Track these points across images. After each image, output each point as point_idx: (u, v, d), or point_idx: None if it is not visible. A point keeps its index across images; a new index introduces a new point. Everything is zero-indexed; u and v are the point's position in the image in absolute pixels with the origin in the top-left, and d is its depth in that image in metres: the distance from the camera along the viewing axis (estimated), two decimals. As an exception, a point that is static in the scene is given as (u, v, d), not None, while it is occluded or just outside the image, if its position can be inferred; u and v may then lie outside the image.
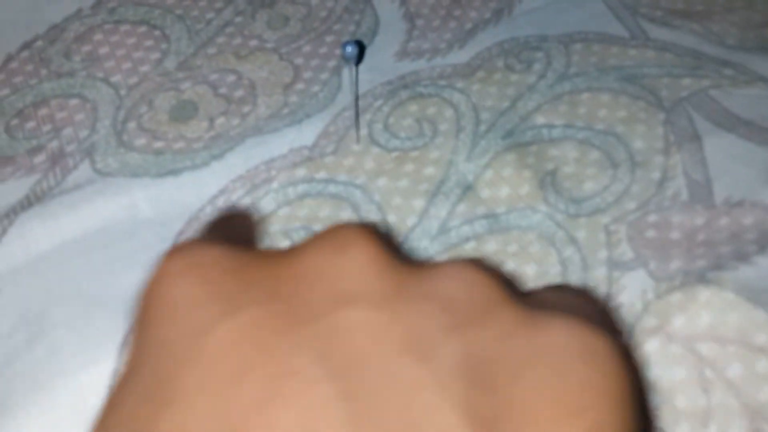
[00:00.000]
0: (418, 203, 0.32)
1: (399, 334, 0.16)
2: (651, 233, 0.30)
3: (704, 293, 0.28)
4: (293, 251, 0.19)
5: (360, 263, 0.18)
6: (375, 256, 0.18)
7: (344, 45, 0.30)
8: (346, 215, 0.31)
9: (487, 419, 0.15)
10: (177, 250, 0.19)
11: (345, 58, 0.30)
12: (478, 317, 0.17)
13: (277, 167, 0.33)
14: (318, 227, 0.31)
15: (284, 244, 0.30)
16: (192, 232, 0.31)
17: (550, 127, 0.34)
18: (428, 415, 0.15)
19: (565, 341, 0.17)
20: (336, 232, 0.19)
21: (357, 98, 0.34)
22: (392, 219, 0.31)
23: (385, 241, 0.19)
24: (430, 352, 0.16)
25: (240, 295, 0.17)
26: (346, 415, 0.14)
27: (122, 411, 0.16)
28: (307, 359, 0.15)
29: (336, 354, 0.15)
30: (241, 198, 0.32)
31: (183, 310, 0.17)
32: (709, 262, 0.29)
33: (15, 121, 0.35)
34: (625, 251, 0.30)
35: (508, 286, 0.18)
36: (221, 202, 0.32)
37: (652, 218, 0.31)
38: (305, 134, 0.34)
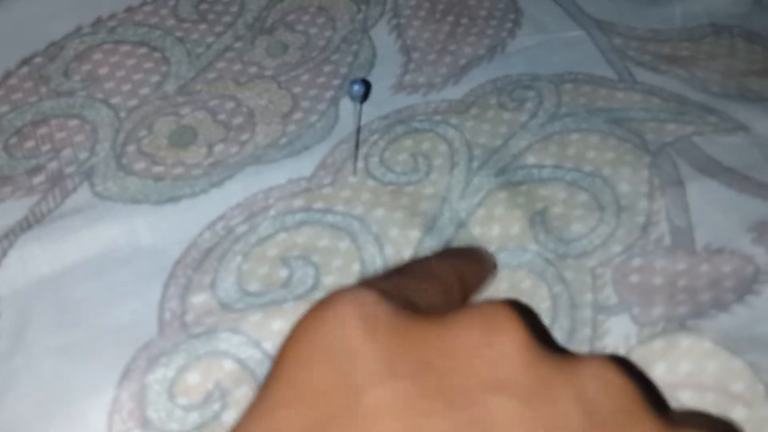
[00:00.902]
0: (414, 234, 0.32)
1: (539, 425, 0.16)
2: (635, 278, 0.31)
3: (685, 341, 0.29)
4: (446, 323, 0.19)
5: (510, 350, 0.18)
6: (525, 344, 0.18)
7: (351, 83, 0.31)
8: (345, 245, 0.32)
9: None
10: (347, 294, 0.19)
11: (351, 97, 0.31)
12: (626, 424, 0.17)
13: (276, 196, 0.33)
14: (317, 258, 0.31)
15: (282, 272, 0.31)
16: (190, 259, 0.31)
17: (540, 167, 0.35)
18: None
19: None
20: (488, 309, 0.19)
21: (358, 134, 0.35)
22: (389, 251, 0.32)
23: (531, 323, 0.19)
24: None
25: (397, 361, 0.18)
26: None
27: None
28: None
29: None
30: (239, 224, 0.32)
31: (341, 360, 0.18)
32: (689, 310, 0.30)
33: (13, 140, 0.35)
34: (609, 295, 0.31)
35: (652, 393, 0.19)
36: (219, 228, 0.32)
37: (636, 262, 0.32)
38: (304, 165, 0.35)
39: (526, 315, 0.20)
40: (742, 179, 0.35)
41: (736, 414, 0.27)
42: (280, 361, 0.19)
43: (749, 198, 0.34)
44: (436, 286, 0.24)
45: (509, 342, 0.18)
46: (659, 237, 0.33)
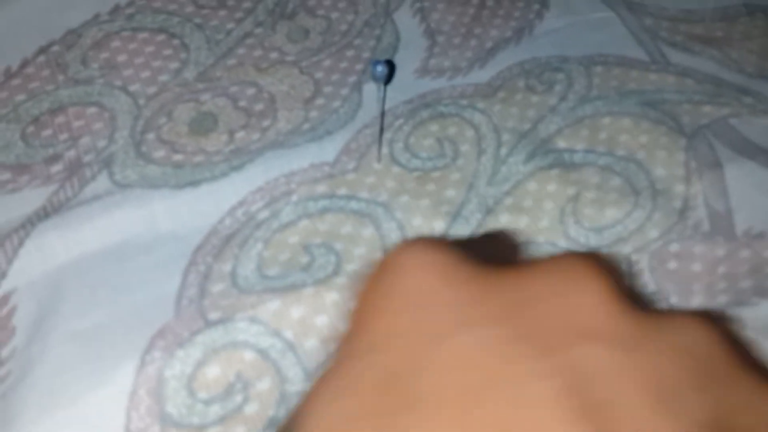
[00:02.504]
0: (439, 225, 0.31)
1: (644, 381, 0.15)
2: (673, 264, 0.30)
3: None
4: (522, 273, 0.18)
5: (597, 299, 0.17)
6: (611, 293, 0.17)
7: (374, 64, 0.30)
8: (368, 233, 0.31)
9: None
10: (417, 243, 0.19)
11: (374, 78, 0.30)
12: (723, 379, 0.16)
13: (298, 181, 0.32)
14: (339, 245, 0.30)
15: (304, 258, 0.30)
16: (210, 246, 0.30)
17: (572, 152, 0.34)
18: None
19: None
20: (566, 261, 0.18)
21: (383, 117, 0.34)
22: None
23: (615, 276, 0.18)
24: (678, 406, 0.15)
25: (477, 307, 0.17)
26: None
27: (356, 397, 0.16)
28: (549, 392, 0.15)
29: (578, 391, 0.15)
30: (260, 209, 0.32)
31: (421, 306, 0.17)
32: (730, 298, 0.29)
33: (31, 128, 0.34)
34: (647, 283, 0.30)
35: (738, 345, 0.18)
36: (240, 214, 0.31)
37: (674, 248, 0.31)
38: (326, 150, 0.34)
39: (609, 269, 0.18)
40: (783, 161, 0.34)
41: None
42: (357, 311, 0.18)
43: (790, 181, 0.33)
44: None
45: (595, 292, 0.17)
46: (697, 222, 0.32)
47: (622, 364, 0.16)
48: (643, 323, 0.17)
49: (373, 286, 0.19)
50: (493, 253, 0.26)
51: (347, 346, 0.18)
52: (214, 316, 0.28)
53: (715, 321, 0.18)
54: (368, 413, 0.16)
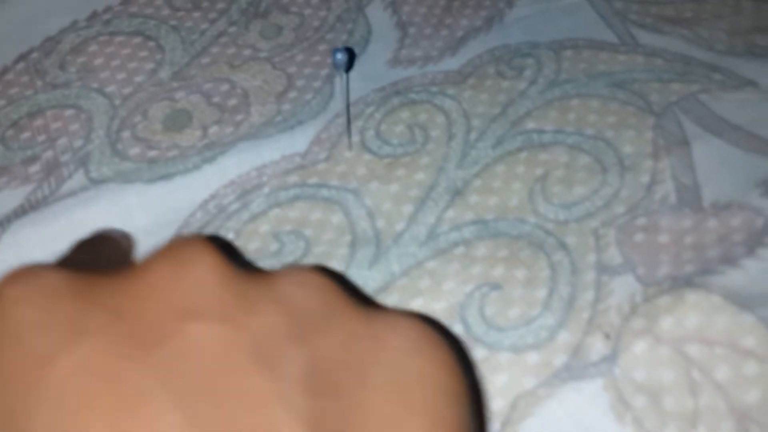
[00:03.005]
0: (407, 209, 0.32)
1: (244, 346, 0.16)
2: (639, 237, 0.30)
3: (692, 296, 0.28)
4: (137, 268, 0.18)
5: (200, 276, 0.17)
6: (215, 267, 0.18)
7: (334, 52, 0.30)
8: (337, 219, 0.31)
9: (332, 429, 0.15)
10: (16, 275, 0.18)
11: (335, 66, 0.31)
12: (321, 323, 0.17)
13: (269, 173, 0.33)
14: (309, 231, 0.31)
15: (273, 246, 0.31)
16: (185, 239, 0.31)
17: (540, 132, 0.34)
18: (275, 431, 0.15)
19: (403, 337, 0.17)
20: (177, 246, 0.18)
21: (348, 105, 0.34)
22: (381, 224, 0.31)
23: (227, 252, 0.18)
24: (276, 363, 0.16)
25: (83, 321, 0.16)
26: None
27: None
28: (154, 385, 0.15)
29: (183, 375, 0.15)
30: (231, 203, 0.32)
31: (25, 338, 0.16)
32: (696, 267, 0.29)
33: (10, 132, 0.35)
34: (613, 255, 0.30)
35: (352, 291, 0.18)
36: (212, 207, 0.32)
37: (641, 221, 0.31)
38: (298, 141, 0.34)
39: (218, 245, 0.19)
40: (750, 137, 0.34)
41: (748, 369, 0.26)
42: None
43: (757, 156, 0.33)
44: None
45: (199, 269, 0.17)
46: (665, 195, 0.32)
47: (227, 334, 0.16)
48: (246, 288, 0.17)
49: None
50: (108, 259, 0.26)
51: None
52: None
53: (322, 271, 0.19)
54: None
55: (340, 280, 0.19)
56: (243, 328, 0.16)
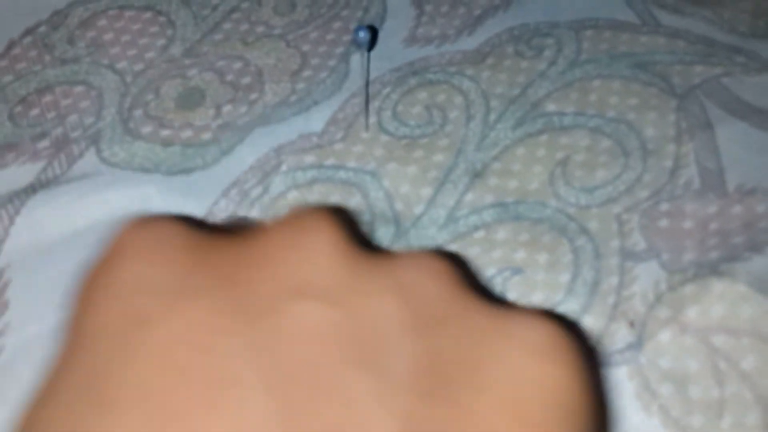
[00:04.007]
0: (426, 191, 0.31)
1: (351, 334, 0.15)
2: (663, 222, 0.30)
3: (717, 286, 0.27)
4: (256, 232, 0.17)
5: (317, 251, 0.16)
6: (334, 243, 0.17)
7: (356, 30, 0.29)
8: (356, 201, 0.31)
9: None
10: (136, 225, 0.17)
11: (357, 44, 0.30)
12: (439, 314, 0.16)
13: (286, 152, 0.32)
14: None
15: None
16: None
17: (561, 114, 0.34)
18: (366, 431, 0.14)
19: (530, 340, 0.16)
20: (300, 215, 0.18)
21: (367, 85, 0.34)
22: (399, 206, 0.31)
23: (351, 226, 0.18)
24: (382, 356, 0.15)
25: (190, 284, 0.16)
26: None
27: (54, 407, 0.15)
28: (248, 365, 0.14)
29: (281, 358, 0.14)
30: (253, 187, 0.31)
31: (130, 294, 0.16)
32: (722, 253, 0.29)
33: (18, 108, 0.34)
34: (637, 241, 0.29)
35: (473, 279, 0.17)
36: (234, 194, 0.31)
37: (665, 207, 0.30)
38: (314, 121, 0.33)
39: (342, 219, 0.18)
40: (775, 120, 0.33)
41: (775, 358, 0.26)
42: (76, 306, 0.17)
43: (783, 139, 0.33)
44: None
45: (319, 243, 0.17)
46: (688, 180, 0.31)
47: (335, 317, 0.15)
48: (364, 269, 0.16)
49: (92, 276, 0.17)
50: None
51: (61, 347, 0.16)
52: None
53: (448, 258, 0.17)
54: (62, 422, 0.14)
55: (462, 266, 0.18)
56: (354, 313, 0.15)
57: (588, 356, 0.16)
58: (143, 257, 0.16)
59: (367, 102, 0.33)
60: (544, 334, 0.16)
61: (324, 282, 0.16)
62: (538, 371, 0.15)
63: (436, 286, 0.16)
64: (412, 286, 0.16)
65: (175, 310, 0.15)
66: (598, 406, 0.16)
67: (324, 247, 0.17)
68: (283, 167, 0.32)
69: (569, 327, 0.17)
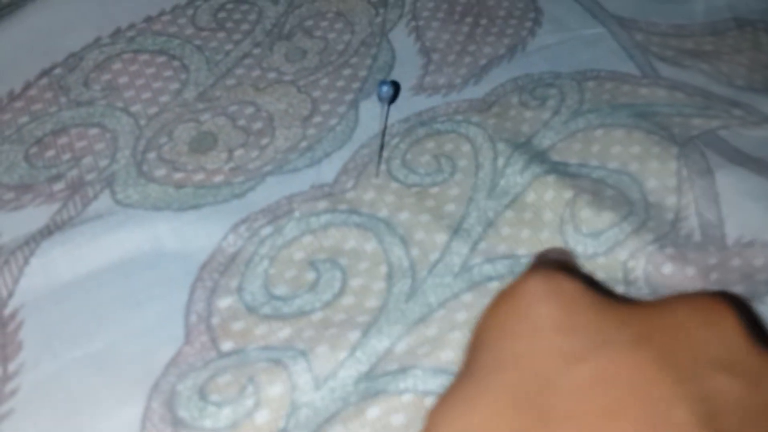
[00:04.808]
0: (441, 238, 0.32)
1: (764, 413, 0.16)
2: (668, 268, 0.31)
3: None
4: (657, 304, 0.19)
5: (731, 334, 0.18)
6: (743, 330, 0.18)
7: (380, 84, 0.31)
8: (371, 247, 0.31)
9: None
10: (539, 274, 0.20)
11: (380, 98, 0.31)
12: None
13: (299, 201, 0.33)
14: (344, 260, 0.31)
15: (310, 275, 0.31)
16: (216, 263, 0.31)
17: (565, 165, 0.35)
18: None
19: None
20: (703, 298, 0.19)
21: (384, 134, 0.34)
22: (415, 253, 0.31)
23: (744, 312, 0.19)
24: None
25: (608, 331, 0.17)
26: None
27: (486, 413, 0.16)
28: (687, 414, 0.15)
29: (712, 420, 0.16)
30: (263, 226, 0.32)
31: (547, 332, 0.18)
32: (723, 303, 0.29)
33: (34, 149, 0.35)
34: (641, 288, 0.30)
35: None
36: (243, 230, 0.32)
37: (669, 251, 0.31)
38: (325, 173, 0.34)
39: (738, 306, 0.19)
40: (772, 171, 0.34)
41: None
42: (480, 333, 0.19)
43: (780, 190, 0.34)
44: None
45: (729, 327, 0.18)
46: (689, 233, 0.32)
47: (753, 399, 0.16)
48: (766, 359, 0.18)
49: (499, 309, 0.19)
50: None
51: (471, 365, 0.18)
52: (226, 346, 0.29)
53: None
54: (501, 429, 0.16)
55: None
56: (764, 394, 0.17)
57: None
58: (552, 303, 0.18)
59: (381, 149, 0.34)
60: None
61: (742, 362, 0.17)
62: None
63: None
64: None
65: (599, 351, 0.17)
66: None
67: (735, 330, 0.18)
68: (296, 213, 0.32)
69: None
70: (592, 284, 0.21)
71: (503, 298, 0.20)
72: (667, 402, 0.16)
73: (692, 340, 0.18)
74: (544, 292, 0.19)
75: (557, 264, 0.21)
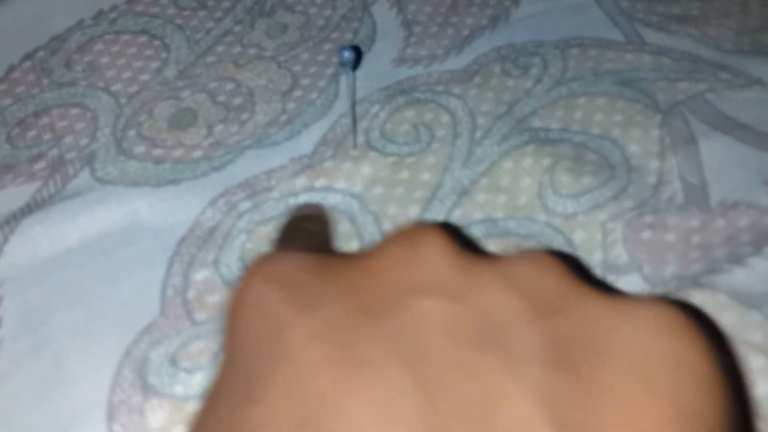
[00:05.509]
0: (414, 210, 0.32)
1: (473, 324, 0.16)
2: (647, 234, 0.30)
3: (697, 296, 0.28)
4: (367, 250, 0.19)
5: (433, 256, 0.18)
6: (447, 249, 0.18)
7: (341, 50, 0.30)
8: (344, 228, 0.31)
9: (566, 403, 0.14)
10: (258, 262, 0.20)
11: (342, 64, 0.31)
12: (558, 303, 0.17)
13: (278, 177, 0.33)
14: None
15: (282, 249, 0.31)
16: (194, 238, 0.31)
17: (546, 130, 0.34)
18: (502, 402, 0.15)
19: (650, 318, 0.16)
20: (408, 230, 0.19)
21: (354, 104, 0.34)
22: (387, 227, 0.31)
23: (458, 237, 0.19)
24: (506, 340, 0.16)
25: (316, 295, 0.18)
26: (419, 403, 0.15)
27: (218, 406, 0.17)
28: (382, 350, 0.16)
29: (409, 345, 0.16)
30: (241, 200, 0.32)
31: (265, 312, 0.18)
32: (703, 267, 0.29)
33: (16, 131, 0.35)
34: (620, 254, 0.30)
35: (584, 274, 0.18)
36: (222, 204, 0.32)
37: (648, 219, 0.31)
38: (304, 144, 0.34)
39: (449, 231, 0.19)
40: (758, 135, 0.34)
41: (756, 362, 0.26)
42: (224, 337, 0.20)
43: (765, 153, 0.33)
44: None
45: (432, 250, 0.18)
46: (671, 195, 0.32)
47: (449, 312, 0.16)
48: (478, 270, 0.18)
49: (229, 308, 0.20)
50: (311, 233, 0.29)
51: (221, 360, 0.19)
52: (200, 316, 0.29)
53: (557, 255, 0.19)
54: (221, 416, 0.17)
55: (574, 262, 0.19)
56: (472, 306, 0.17)
57: (711, 335, 0.17)
58: (271, 284, 0.19)
59: (354, 121, 0.34)
60: (668, 316, 0.16)
61: (440, 281, 0.17)
62: (666, 347, 0.16)
63: (550, 279, 0.18)
64: (527, 280, 0.17)
65: (309, 313, 0.17)
66: (731, 380, 0.16)
67: (438, 252, 0.18)
68: (275, 194, 0.32)
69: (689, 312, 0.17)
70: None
71: (234, 292, 0.20)
72: (362, 344, 0.16)
73: (393, 275, 0.18)
74: (262, 277, 0.19)
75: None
